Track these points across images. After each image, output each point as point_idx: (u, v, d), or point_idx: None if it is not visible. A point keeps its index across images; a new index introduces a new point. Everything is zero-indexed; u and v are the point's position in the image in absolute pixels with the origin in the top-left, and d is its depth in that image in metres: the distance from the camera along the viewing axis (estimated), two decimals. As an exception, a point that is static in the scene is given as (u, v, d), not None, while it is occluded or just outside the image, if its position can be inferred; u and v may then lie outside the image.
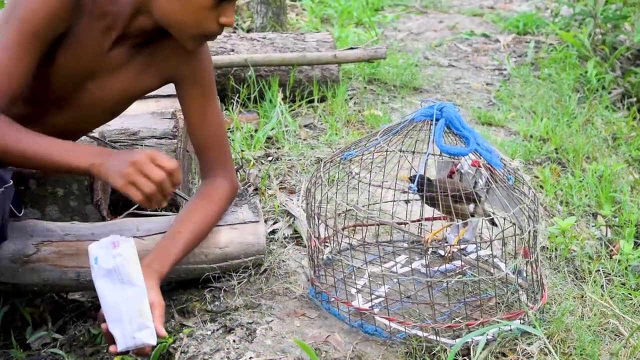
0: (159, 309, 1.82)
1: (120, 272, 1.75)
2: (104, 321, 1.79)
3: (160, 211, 2.50)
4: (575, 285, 2.41)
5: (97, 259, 1.75)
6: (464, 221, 2.17)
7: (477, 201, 2.14)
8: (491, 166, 2.03)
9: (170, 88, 2.71)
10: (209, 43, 2.10)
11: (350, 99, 3.93)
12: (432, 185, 2.07)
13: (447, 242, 2.31)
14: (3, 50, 1.78)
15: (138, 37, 1.95)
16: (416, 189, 2.07)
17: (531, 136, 3.65)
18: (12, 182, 1.84)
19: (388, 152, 2.07)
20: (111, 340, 1.78)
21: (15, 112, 1.93)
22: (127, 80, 2.00)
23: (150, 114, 2.63)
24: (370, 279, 2.13)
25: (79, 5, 1.82)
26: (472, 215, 2.15)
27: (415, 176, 2.07)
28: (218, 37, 1.99)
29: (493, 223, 2.21)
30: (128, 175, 1.71)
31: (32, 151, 1.76)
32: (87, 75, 1.94)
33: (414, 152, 2.17)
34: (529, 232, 2.01)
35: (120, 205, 2.49)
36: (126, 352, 1.80)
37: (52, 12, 1.78)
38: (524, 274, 2.18)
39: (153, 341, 1.78)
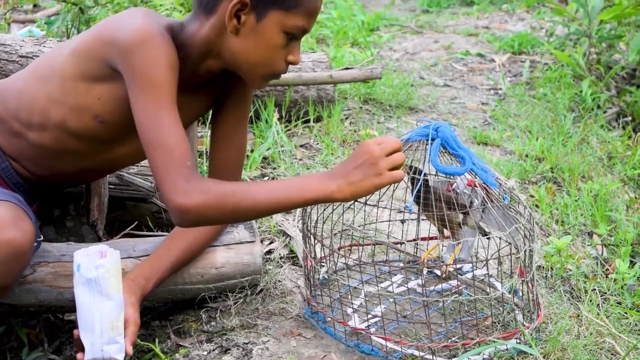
0: (132, 327, 1.81)
1: (100, 283, 1.74)
2: (77, 327, 1.79)
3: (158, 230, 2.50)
4: (571, 304, 2.41)
5: (80, 266, 1.75)
6: (458, 241, 2.17)
7: (467, 213, 2.14)
8: (487, 185, 2.03)
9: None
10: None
11: (346, 118, 3.94)
12: (427, 186, 2.06)
13: (442, 262, 2.31)
14: (159, 119, 1.76)
15: (204, 77, 1.95)
16: (411, 206, 2.07)
17: (527, 155, 3.66)
18: (42, 237, 1.91)
19: (384, 172, 2.07)
20: (80, 347, 1.78)
21: (67, 146, 1.94)
22: (189, 115, 2.00)
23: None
24: (367, 298, 2.13)
25: None
26: (465, 224, 2.15)
27: (412, 167, 2.06)
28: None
29: (485, 234, 2.21)
30: (382, 168, 1.77)
31: (264, 200, 1.77)
32: None
33: (409, 172, 2.18)
34: (525, 251, 2.01)
35: (116, 225, 2.49)
36: None
37: (170, 64, 1.79)
38: (520, 293, 2.18)
39: (120, 357, 1.77)
